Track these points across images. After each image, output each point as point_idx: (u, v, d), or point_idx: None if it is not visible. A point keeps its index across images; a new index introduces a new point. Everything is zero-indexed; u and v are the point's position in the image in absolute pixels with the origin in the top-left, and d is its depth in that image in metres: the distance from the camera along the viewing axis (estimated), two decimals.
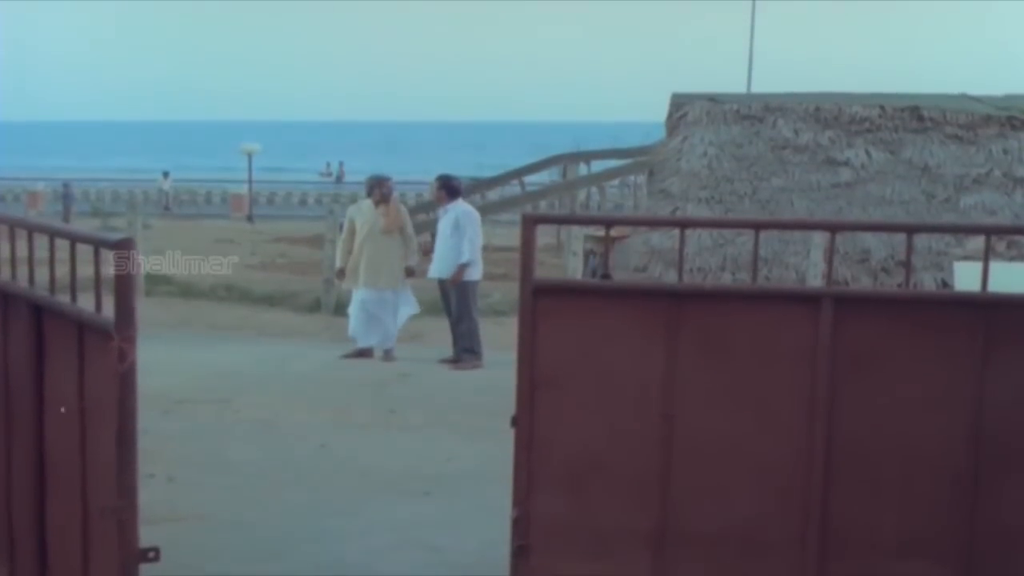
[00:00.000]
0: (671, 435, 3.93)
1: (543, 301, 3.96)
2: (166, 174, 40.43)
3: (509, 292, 14.44)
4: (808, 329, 3.82)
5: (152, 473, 6.36)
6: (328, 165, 59.90)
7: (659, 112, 17.59)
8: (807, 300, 3.85)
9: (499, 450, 6.97)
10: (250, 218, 33.27)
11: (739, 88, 27.47)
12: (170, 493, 6.07)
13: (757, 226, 3.91)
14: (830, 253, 3.93)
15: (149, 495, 6.14)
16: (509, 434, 7.20)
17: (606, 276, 3.94)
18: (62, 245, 3.52)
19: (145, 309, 13.05)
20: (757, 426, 3.90)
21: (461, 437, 7.45)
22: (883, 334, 3.82)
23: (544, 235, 26.33)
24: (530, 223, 4.00)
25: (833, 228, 3.88)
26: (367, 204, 10.50)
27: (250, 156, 34.39)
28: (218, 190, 42.20)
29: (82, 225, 29.53)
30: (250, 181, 35.42)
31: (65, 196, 33.46)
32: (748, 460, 3.92)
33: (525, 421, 4.00)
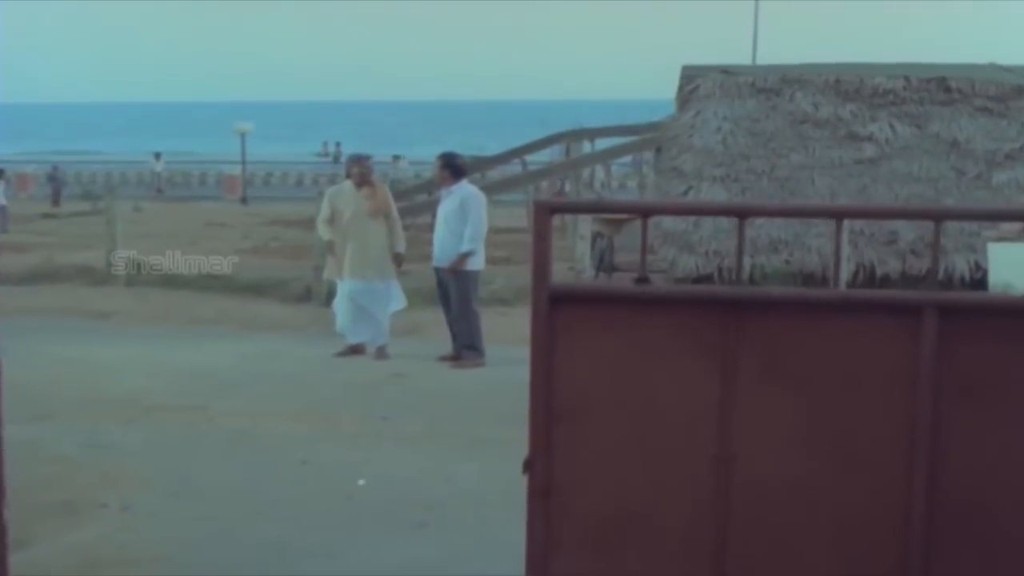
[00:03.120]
0: (728, 481, 3.09)
1: (563, 311, 3.10)
2: (158, 155, 39.51)
3: (513, 278, 13.57)
4: (905, 347, 2.97)
5: (105, 502, 5.57)
6: (325, 145, 58.84)
7: (664, 89, 16.77)
8: (904, 311, 2.98)
9: (504, 465, 6.10)
10: (244, 200, 32.38)
11: (745, 62, 26.50)
12: (123, 527, 5.23)
13: (839, 215, 3.04)
14: (936, 248, 3.06)
15: (99, 530, 5.29)
16: (514, 446, 6.33)
17: (643, 280, 3.07)
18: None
19: (123, 300, 12.23)
20: (839, 470, 3.05)
21: (462, 450, 6.61)
22: (1002, 354, 2.97)
23: None
24: (544, 212, 3.12)
25: (937, 217, 3.01)
26: (348, 186, 9.57)
27: (243, 136, 33.40)
28: (213, 171, 41.32)
29: (72, 208, 28.90)
30: (243, 162, 34.49)
31: (53, 179, 32.58)
32: (827, 513, 3.08)
33: (542, 464, 3.15)
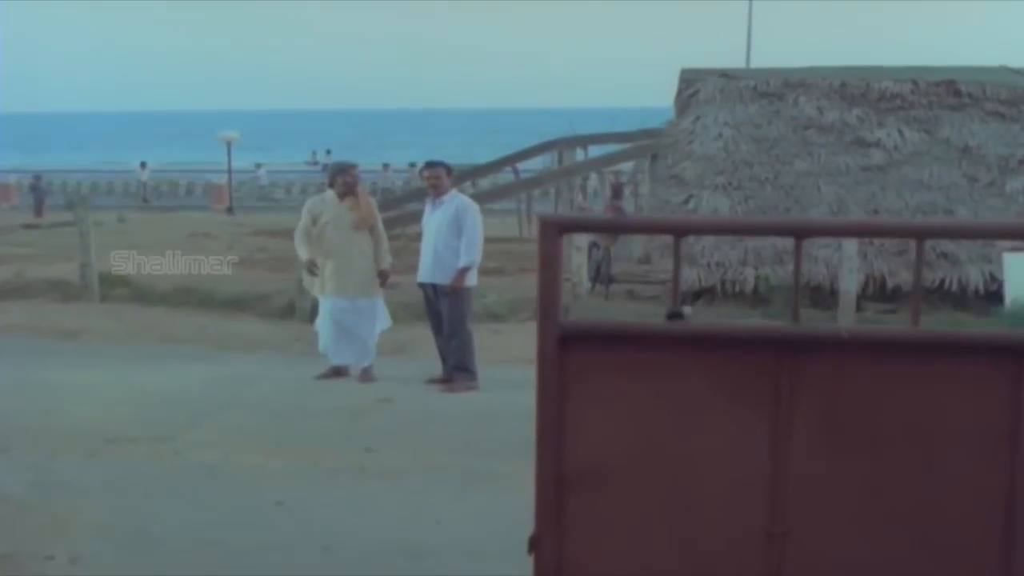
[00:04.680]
0: (781, 562, 2.50)
1: (576, 354, 2.52)
2: (144, 164, 38.83)
3: (505, 291, 12.98)
4: (1004, 399, 2.38)
5: (52, 554, 4.93)
6: (314, 154, 58.22)
7: (656, 96, 16.28)
8: (1002, 353, 2.39)
9: (500, 506, 5.52)
10: (230, 209, 31.74)
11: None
12: None
13: (922, 234, 2.45)
14: None
15: None
16: (511, 482, 5.70)
17: (677, 315, 2.48)
18: None
19: (94, 317, 11.59)
20: (917, 551, 2.47)
21: (453, 487, 5.99)
22: None
23: (534, 222, 24.82)
24: (553, 231, 2.53)
25: None
26: (331, 196, 8.89)
27: (229, 144, 32.72)
28: (201, 181, 40.69)
29: (55, 218, 28.20)
30: (229, 171, 33.83)
31: (35, 189, 31.88)
32: None
33: (551, 542, 2.56)
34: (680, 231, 2.54)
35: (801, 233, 2.48)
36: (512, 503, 5.47)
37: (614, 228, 2.64)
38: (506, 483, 5.85)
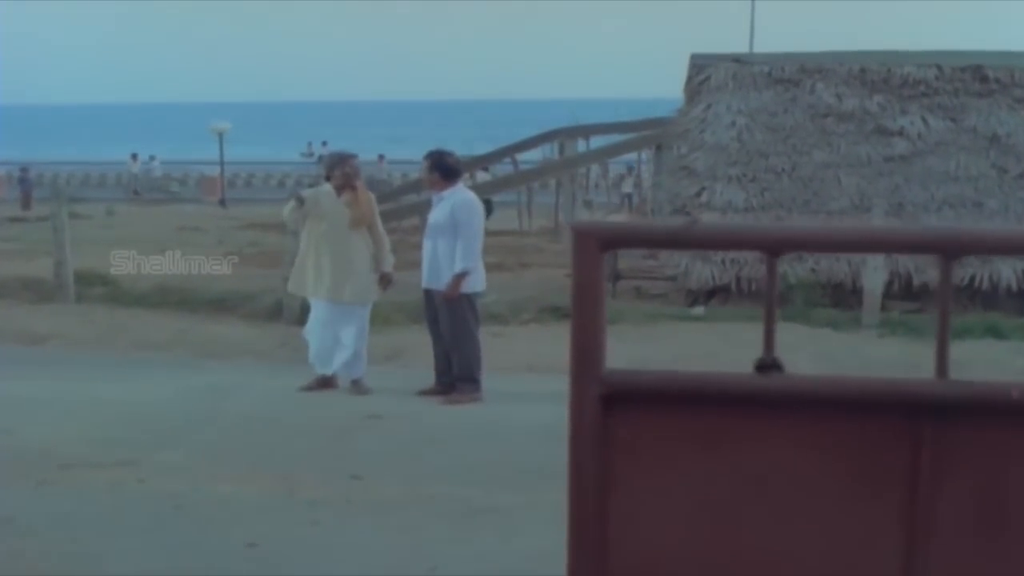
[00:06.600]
0: None
1: (624, 417, 1.76)
2: (135, 156, 38.10)
3: (506, 290, 12.28)
4: None
5: None
6: (310, 145, 57.38)
7: (660, 86, 15.62)
8: None
9: (505, 550, 4.78)
10: (223, 202, 31.07)
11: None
12: None
13: None
14: None
15: None
16: (518, 517, 4.94)
17: (771, 366, 1.73)
18: None
19: (66, 320, 10.82)
20: None
21: (450, 523, 5.26)
22: None
23: (540, 216, 24.14)
24: (592, 247, 1.77)
25: None
26: (327, 191, 8.14)
27: (221, 136, 31.99)
28: (195, 173, 40.01)
29: (43, 211, 27.50)
30: (221, 162, 33.11)
31: (22, 181, 31.24)
32: None
33: None
34: (776, 247, 1.78)
35: (953, 252, 1.72)
36: (520, 546, 4.76)
37: (679, 244, 1.87)
38: (513, 519, 5.14)
